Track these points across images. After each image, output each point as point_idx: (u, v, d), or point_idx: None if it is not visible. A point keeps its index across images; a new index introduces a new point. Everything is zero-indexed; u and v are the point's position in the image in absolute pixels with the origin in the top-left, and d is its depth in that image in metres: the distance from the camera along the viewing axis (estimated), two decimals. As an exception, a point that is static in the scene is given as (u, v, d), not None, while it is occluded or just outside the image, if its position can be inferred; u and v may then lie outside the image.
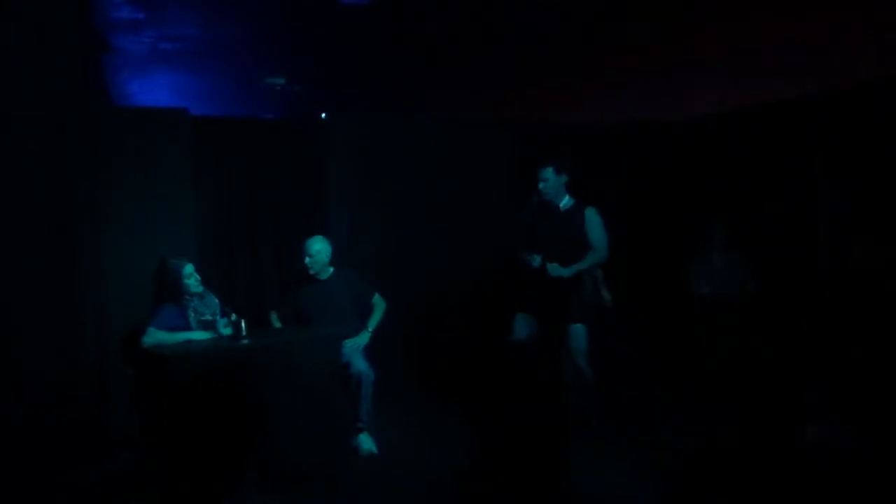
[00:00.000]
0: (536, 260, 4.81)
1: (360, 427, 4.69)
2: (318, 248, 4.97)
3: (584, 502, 1.58)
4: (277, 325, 5.08)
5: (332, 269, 5.06)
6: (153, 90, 6.07)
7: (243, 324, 4.27)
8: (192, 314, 4.50)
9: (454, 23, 4.56)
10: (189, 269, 4.49)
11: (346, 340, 4.85)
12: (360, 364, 4.72)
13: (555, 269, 4.76)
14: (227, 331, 4.36)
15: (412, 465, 4.38)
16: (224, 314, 4.49)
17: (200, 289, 4.56)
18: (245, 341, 4.21)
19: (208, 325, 4.43)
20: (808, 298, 5.70)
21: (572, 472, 1.61)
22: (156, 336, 4.24)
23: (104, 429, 3.74)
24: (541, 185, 4.93)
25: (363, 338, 4.98)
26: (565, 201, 4.98)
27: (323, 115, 6.52)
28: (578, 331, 4.84)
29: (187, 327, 4.41)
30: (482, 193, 6.61)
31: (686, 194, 6.91)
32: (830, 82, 5.89)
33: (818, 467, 2.60)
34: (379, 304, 5.17)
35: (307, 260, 4.96)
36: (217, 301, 4.69)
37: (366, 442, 4.68)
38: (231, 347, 4.15)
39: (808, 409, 3.33)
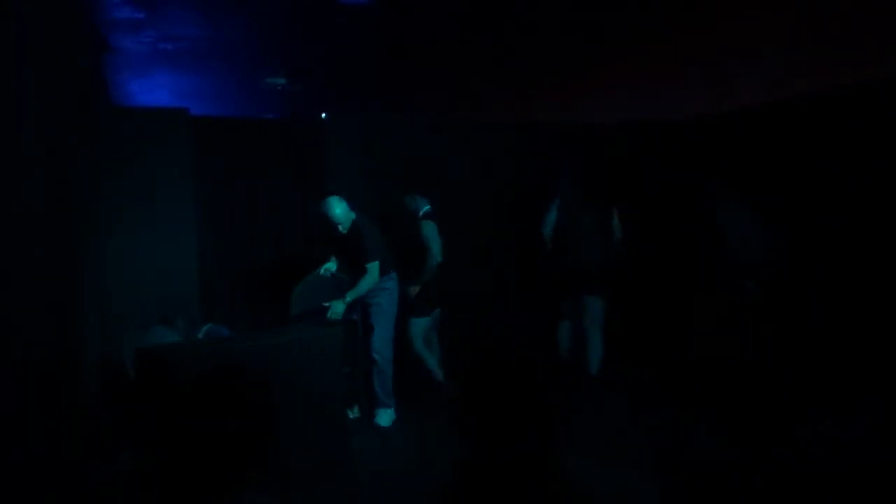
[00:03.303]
0: None
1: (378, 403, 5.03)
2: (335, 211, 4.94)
3: (585, 502, 1.58)
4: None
5: (353, 218, 5.01)
6: (153, 90, 6.07)
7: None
8: None
9: (454, 23, 4.56)
10: None
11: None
12: (375, 343, 4.94)
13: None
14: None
15: (412, 466, 4.38)
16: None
17: None
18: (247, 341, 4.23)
19: None
20: (810, 296, 5.69)
21: (574, 471, 1.60)
22: None
23: (104, 429, 3.74)
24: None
25: (336, 307, 4.79)
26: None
27: (323, 115, 6.52)
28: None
29: None
30: (482, 193, 6.61)
31: (686, 194, 6.89)
32: (830, 82, 5.89)
33: (825, 459, 2.59)
34: (369, 271, 4.88)
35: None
36: None
37: (380, 417, 5.01)
38: (231, 347, 4.16)
39: (812, 402, 3.32)
